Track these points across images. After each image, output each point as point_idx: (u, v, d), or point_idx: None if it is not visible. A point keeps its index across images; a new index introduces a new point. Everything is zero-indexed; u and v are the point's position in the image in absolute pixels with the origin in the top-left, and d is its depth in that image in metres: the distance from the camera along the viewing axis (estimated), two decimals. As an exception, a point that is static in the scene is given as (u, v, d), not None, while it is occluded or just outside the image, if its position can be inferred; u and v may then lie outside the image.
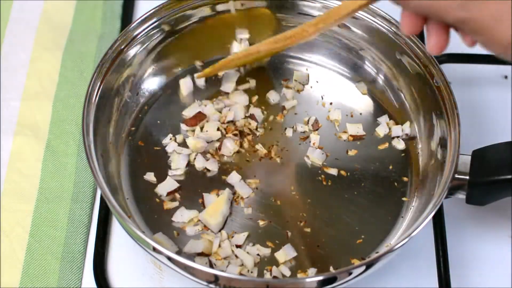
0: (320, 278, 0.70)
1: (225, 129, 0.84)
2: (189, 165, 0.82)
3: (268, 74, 0.91)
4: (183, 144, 0.83)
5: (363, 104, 0.89)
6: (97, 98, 0.79)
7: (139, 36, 0.85)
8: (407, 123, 0.86)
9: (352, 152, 0.85)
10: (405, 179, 0.83)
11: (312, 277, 0.73)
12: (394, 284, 0.78)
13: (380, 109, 0.88)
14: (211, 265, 0.75)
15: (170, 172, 0.81)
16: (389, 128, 0.86)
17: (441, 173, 0.76)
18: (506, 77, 0.96)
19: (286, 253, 0.76)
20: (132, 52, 0.85)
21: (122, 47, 0.84)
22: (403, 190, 0.82)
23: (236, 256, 0.76)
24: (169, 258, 0.69)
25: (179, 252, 0.76)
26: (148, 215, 0.79)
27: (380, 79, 0.89)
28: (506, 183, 0.74)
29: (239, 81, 0.90)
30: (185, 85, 0.88)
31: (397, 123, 0.87)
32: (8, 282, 0.77)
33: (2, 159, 0.85)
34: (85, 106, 0.77)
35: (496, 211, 0.83)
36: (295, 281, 0.73)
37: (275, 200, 0.81)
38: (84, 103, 0.77)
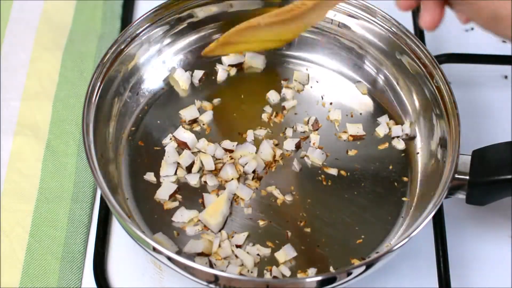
0: (320, 278, 0.70)
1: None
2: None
3: (268, 74, 0.91)
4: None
5: (363, 104, 0.89)
6: (97, 98, 0.79)
7: (139, 36, 0.85)
8: (407, 123, 0.86)
9: (352, 152, 0.85)
10: (405, 179, 0.83)
11: (312, 277, 0.73)
12: (394, 284, 0.78)
13: (380, 109, 0.88)
14: (211, 265, 0.75)
15: (162, 178, 0.81)
16: (389, 128, 0.86)
17: (441, 173, 0.76)
18: (506, 77, 0.96)
19: (286, 253, 0.76)
20: (132, 52, 0.85)
21: (122, 47, 0.84)
22: (403, 190, 0.82)
23: (236, 256, 0.76)
24: (169, 258, 0.69)
25: (179, 252, 0.76)
26: (148, 215, 0.79)
27: (380, 79, 0.89)
28: (506, 183, 0.74)
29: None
30: (182, 77, 0.88)
31: (397, 123, 0.87)
32: (8, 282, 0.77)
33: (2, 159, 0.85)
34: (85, 106, 0.77)
35: (496, 211, 0.83)
36: (295, 281, 0.73)
37: (275, 200, 0.81)
38: (84, 103, 0.77)
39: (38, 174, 0.84)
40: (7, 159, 0.85)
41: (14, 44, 0.96)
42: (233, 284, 0.69)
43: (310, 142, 0.85)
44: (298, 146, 0.84)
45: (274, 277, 0.74)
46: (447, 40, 0.96)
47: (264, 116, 0.87)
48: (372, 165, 0.84)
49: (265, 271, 0.75)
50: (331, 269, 0.75)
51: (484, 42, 0.95)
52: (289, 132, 0.86)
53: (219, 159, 0.82)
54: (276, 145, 0.85)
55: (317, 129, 0.86)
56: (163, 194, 0.79)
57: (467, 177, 0.75)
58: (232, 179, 0.81)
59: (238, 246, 0.76)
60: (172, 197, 0.80)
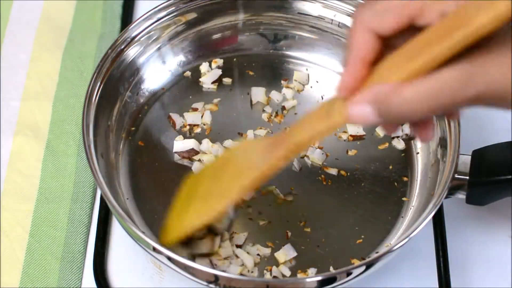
0: (320, 278, 0.70)
1: None
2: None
3: (268, 74, 0.91)
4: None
5: (363, 104, 0.89)
6: (97, 98, 0.79)
7: (139, 36, 0.85)
8: (407, 123, 0.86)
9: (352, 152, 0.85)
10: (405, 179, 0.83)
11: (312, 277, 0.73)
12: (394, 284, 0.78)
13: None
14: (212, 266, 0.75)
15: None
16: (389, 128, 0.86)
17: (441, 173, 0.76)
18: (506, 77, 0.95)
19: (286, 253, 0.76)
20: (132, 52, 0.85)
21: (122, 47, 0.84)
22: (403, 190, 0.82)
23: (237, 256, 0.76)
24: (169, 258, 0.69)
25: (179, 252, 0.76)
26: (148, 215, 0.79)
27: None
28: (506, 183, 0.74)
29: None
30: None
31: (397, 123, 0.86)
32: (8, 282, 0.77)
33: (2, 159, 0.85)
34: (85, 106, 0.77)
35: (496, 211, 0.83)
36: (295, 281, 0.73)
37: (275, 200, 0.81)
38: (84, 103, 0.77)
39: (38, 174, 0.84)
40: (7, 159, 0.85)
41: (14, 44, 0.96)
42: (233, 284, 0.69)
43: (310, 142, 0.85)
44: None
45: (274, 277, 0.74)
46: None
47: (264, 116, 0.87)
48: (372, 165, 0.84)
49: (265, 271, 0.75)
50: (331, 269, 0.75)
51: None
52: (289, 132, 0.86)
53: None
54: (276, 145, 0.85)
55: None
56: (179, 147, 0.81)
57: (467, 177, 0.75)
58: None
59: (238, 246, 0.76)
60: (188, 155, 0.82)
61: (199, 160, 0.82)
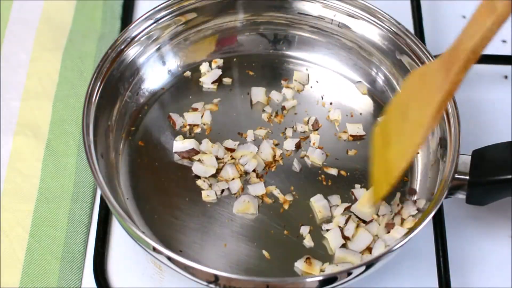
0: (320, 278, 0.70)
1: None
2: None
3: (268, 74, 0.91)
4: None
5: (363, 104, 0.89)
6: (97, 98, 0.79)
7: (139, 36, 0.85)
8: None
9: (352, 152, 0.84)
10: (405, 179, 0.83)
11: (312, 277, 0.73)
12: (394, 284, 0.78)
13: (380, 109, 0.88)
14: None
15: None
16: (389, 128, 0.86)
17: (441, 173, 0.76)
18: (506, 77, 0.96)
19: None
20: (132, 52, 0.85)
21: (122, 47, 0.84)
22: (403, 190, 0.82)
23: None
24: (169, 258, 0.69)
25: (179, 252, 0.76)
26: (148, 215, 0.79)
27: (380, 79, 0.89)
28: (506, 183, 0.74)
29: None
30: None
31: (397, 123, 0.87)
32: (8, 282, 0.77)
33: (2, 159, 0.85)
34: (85, 106, 0.77)
35: (496, 211, 0.83)
36: (295, 280, 0.73)
37: (275, 201, 0.80)
38: (84, 103, 0.77)
39: (38, 174, 0.84)
40: (7, 159, 0.86)
41: (14, 44, 0.96)
42: (233, 284, 0.69)
43: (310, 142, 0.85)
44: (298, 146, 0.84)
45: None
46: (447, 40, 0.96)
47: (264, 116, 0.87)
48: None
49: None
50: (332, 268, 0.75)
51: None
52: (289, 132, 0.86)
53: (220, 159, 0.82)
54: (276, 145, 0.85)
55: (317, 129, 0.86)
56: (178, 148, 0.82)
57: (467, 177, 0.75)
58: (233, 178, 0.81)
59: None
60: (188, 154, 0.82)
61: (199, 160, 0.82)
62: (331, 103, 0.88)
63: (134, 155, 0.83)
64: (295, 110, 0.88)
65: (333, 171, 0.83)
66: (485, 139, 0.80)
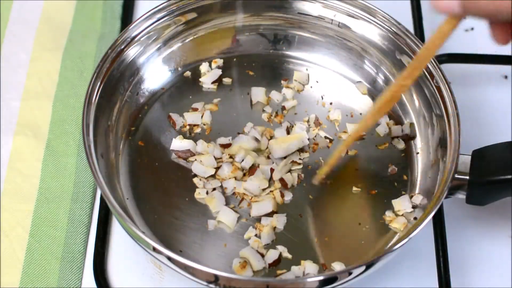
0: (321, 278, 0.70)
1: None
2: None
3: (268, 74, 0.91)
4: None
5: (363, 104, 0.89)
6: (97, 98, 0.79)
7: (139, 36, 0.85)
8: (407, 123, 0.86)
9: (352, 152, 0.84)
10: (405, 178, 0.83)
11: (312, 277, 0.73)
12: (394, 284, 0.78)
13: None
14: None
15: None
16: (389, 128, 0.86)
17: (441, 173, 0.76)
18: (506, 77, 0.96)
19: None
20: (132, 52, 0.85)
21: (122, 47, 0.84)
22: (403, 189, 0.82)
23: None
24: (169, 258, 0.69)
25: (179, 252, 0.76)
26: (148, 215, 0.79)
27: (380, 79, 0.89)
28: (506, 183, 0.74)
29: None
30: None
31: (397, 123, 0.87)
32: (8, 282, 0.77)
33: (2, 159, 0.85)
34: (85, 106, 0.77)
35: (496, 211, 0.83)
36: (295, 281, 0.73)
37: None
38: (84, 103, 0.77)
39: (38, 174, 0.84)
40: (7, 159, 0.86)
41: (14, 44, 0.96)
42: (233, 284, 0.69)
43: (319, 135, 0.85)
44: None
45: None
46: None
47: (264, 116, 0.87)
48: (372, 165, 0.84)
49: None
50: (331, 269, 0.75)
51: (484, 42, 0.94)
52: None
53: (219, 158, 0.82)
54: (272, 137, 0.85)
55: (319, 126, 0.86)
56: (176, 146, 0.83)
57: (467, 177, 0.75)
58: (232, 178, 0.81)
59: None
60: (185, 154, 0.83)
61: (199, 161, 0.82)
62: (331, 103, 0.88)
63: (134, 155, 0.83)
64: (295, 110, 0.88)
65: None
66: (485, 139, 0.80)
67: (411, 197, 0.80)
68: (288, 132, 0.85)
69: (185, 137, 0.84)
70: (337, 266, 0.75)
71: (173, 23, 0.88)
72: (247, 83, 0.90)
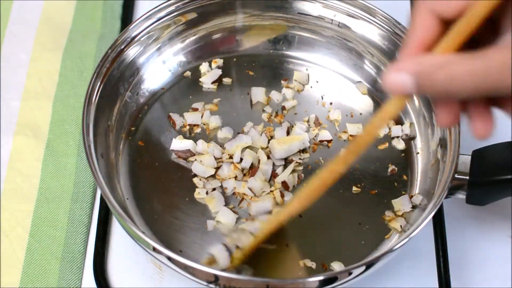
0: (321, 278, 0.70)
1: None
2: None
3: (268, 74, 0.91)
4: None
5: (363, 104, 0.89)
6: (97, 98, 0.79)
7: (139, 36, 0.85)
8: (407, 123, 0.86)
9: (352, 152, 0.84)
10: (405, 178, 0.83)
11: (312, 277, 0.73)
12: (394, 284, 0.78)
13: (380, 109, 0.88)
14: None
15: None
16: (389, 128, 0.86)
17: (441, 173, 0.76)
18: (506, 77, 0.95)
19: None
20: (132, 52, 0.85)
21: (122, 47, 0.84)
22: (403, 190, 0.82)
23: None
24: (169, 258, 0.69)
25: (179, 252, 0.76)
26: (148, 215, 0.79)
27: (380, 79, 0.89)
28: (506, 183, 0.74)
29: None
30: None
31: (397, 123, 0.87)
32: (8, 282, 0.77)
33: (2, 159, 0.85)
34: (85, 106, 0.77)
35: (496, 211, 0.83)
36: (295, 281, 0.73)
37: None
38: (84, 103, 0.77)
39: (38, 174, 0.84)
40: (7, 159, 0.85)
41: (14, 44, 0.96)
42: (233, 284, 0.69)
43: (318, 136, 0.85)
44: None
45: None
46: (447, 40, 0.96)
47: (264, 116, 0.87)
48: (372, 165, 0.84)
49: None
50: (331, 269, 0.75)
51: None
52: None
53: (218, 158, 0.82)
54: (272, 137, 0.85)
55: (319, 126, 0.86)
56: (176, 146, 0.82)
57: (467, 177, 0.75)
58: (232, 178, 0.81)
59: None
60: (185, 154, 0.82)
61: (199, 161, 0.82)
62: (331, 103, 0.88)
63: (134, 155, 0.83)
64: (295, 110, 0.88)
65: (333, 171, 0.83)
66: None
67: (411, 197, 0.80)
68: (288, 132, 0.85)
69: (185, 137, 0.84)
70: (337, 266, 0.75)
71: (173, 23, 0.88)
72: (247, 83, 0.90)
